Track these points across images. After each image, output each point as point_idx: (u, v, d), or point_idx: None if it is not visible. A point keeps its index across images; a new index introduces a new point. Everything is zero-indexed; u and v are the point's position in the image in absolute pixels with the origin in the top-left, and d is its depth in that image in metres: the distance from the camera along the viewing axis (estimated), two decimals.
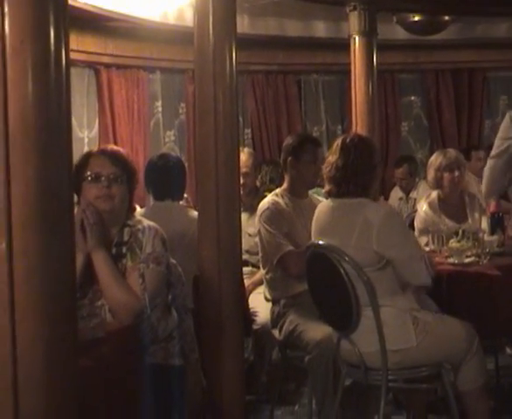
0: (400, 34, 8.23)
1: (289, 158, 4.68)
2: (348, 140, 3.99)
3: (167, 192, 4.75)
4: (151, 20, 6.80)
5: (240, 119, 7.62)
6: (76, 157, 4.06)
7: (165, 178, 4.79)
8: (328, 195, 4.03)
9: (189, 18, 6.62)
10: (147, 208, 4.99)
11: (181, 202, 4.99)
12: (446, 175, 5.35)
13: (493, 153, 4.98)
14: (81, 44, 6.51)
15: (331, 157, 3.98)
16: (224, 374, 3.95)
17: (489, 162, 5.03)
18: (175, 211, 4.71)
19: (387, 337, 3.75)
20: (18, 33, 1.82)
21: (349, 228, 3.82)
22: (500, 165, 4.92)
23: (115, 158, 3.39)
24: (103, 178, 3.31)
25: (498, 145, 4.91)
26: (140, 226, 3.39)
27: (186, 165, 7.20)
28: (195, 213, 4.68)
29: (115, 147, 3.62)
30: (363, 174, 3.92)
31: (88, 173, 3.33)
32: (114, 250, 3.34)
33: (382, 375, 3.79)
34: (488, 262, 4.52)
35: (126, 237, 3.36)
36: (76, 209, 3.35)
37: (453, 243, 4.67)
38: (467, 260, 4.51)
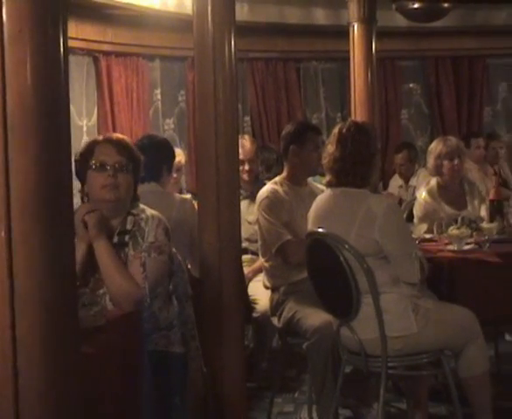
0: (401, 21, 8.21)
1: (291, 146, 4.68)
2: (344, 130, 3.97)
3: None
4: (151, 8, 6.79)
5: (240, 106, 7.61)
6: (76, 145, 4.02)
7: None
8: (329, 185, 4.02)
9: (188, 6, 6.53)
10: None
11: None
12: (445, 162, 5.34)
13: None
14: (80, 32, 6.49)
15: (330, 147, 3.97)
16: (225, 361, 3.96)
17: None
18: (153, 195, 4.53)
19: (388, 324, 3.76)
20: (16, 22, 1.82)
21: (351, 216, 3.82)
22: None
23: (121, 146, 3.37)
24: (109, 167, 3.30)
25: None
26: (143, 215, 3.38)
27: (185, 153, 7.21)
28: (179, 196, 4.65)
29: (121, 136, 3.57)
30: (362, 164, 3.92)
31: (93, 161, 3.32)
32: (116, 239, 3.34)
33: (381, 362, 3.80)
34: (488, 249, 4.53)
35: (129, 226, 3.36)
36: (79, 197, 3.36)
37: (452, 230, 4.67)
38: (467, 247, 4.51)
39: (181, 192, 5.65)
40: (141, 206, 3.44)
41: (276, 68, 8.57)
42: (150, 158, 4.45)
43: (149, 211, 3.41)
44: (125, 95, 7.20)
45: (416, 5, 7.64)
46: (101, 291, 3.27)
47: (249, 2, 7.78)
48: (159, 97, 7.67)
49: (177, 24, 6.73)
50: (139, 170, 3.44)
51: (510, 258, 4.45)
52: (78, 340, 2.00)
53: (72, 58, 6.42)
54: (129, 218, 3.37)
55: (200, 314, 3.87)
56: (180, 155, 5.58)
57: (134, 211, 3.39)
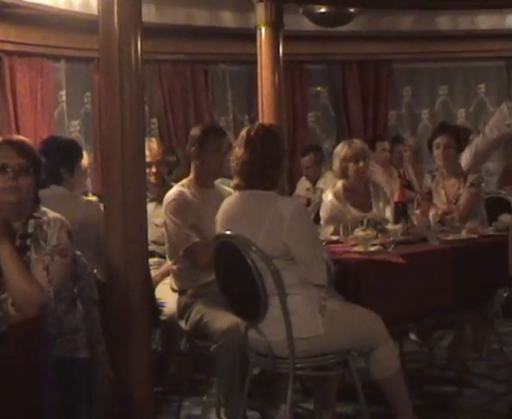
0: (308, 25, 8.30)
1: (192, 148, 4.69)
2: (252, 132, 3.96)
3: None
4: (55, 7, 6.68)
5: (147, 108, 7.57)
6: None
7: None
8: (237, 188, 4.01)
9: (94, 6, 6.51)
10: None
11: None
12: (351, 165, 5.40)
13: (489, 135, 4.68)
14: None
15: (238, 150, 3.95)
16: (132, 365, 3.92)
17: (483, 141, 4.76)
18: (57, 198, 4.39)
19: (295, 325, 3.78)
20: None
21: (259, 218, 3.82)
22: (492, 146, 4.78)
23: (22, 148, 3.33)
24: (9, 169, 3.26)
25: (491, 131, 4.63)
26: (45, 218, 3.35)
27: (92, 155, 7.13)
28: (84, 199, 4.59)
29: (21, 137, 3.56)
30: (271, 167, 3.92)
31: None
32: (18, 243, 3.29)
33: (289, 364, 3.81)
34: (393, 250, 4.60)
35: (31, 229, 3.33)
36: None
37: (358, 231, 4.74)
38: (372, 248, 4.58)
39: (86, 194, 5.57)
40: (43, 209, 3.40)
41: (184, 70, 8.54)
42: (50, 161, 4.36)
43: (51, 214, 3.37)
44: (29, 96, 7.06)
45: (322, 10, 7.75)
46: (3, 296, 3.21)
47: (156, 3, 7.74)
48: (64, 98, 7.55)
49: (83, 25, 6.63)
50: (40, 172, 3.40)
51: (414, 259, 4.54)
52: None
53: None
54: (31, 221, 3.33)
55: (107, 318, 3.83)
56: (83, 158, 5.50)
57: (36, 214, 3.35)
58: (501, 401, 4.83)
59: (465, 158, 4.81)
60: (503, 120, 4.43)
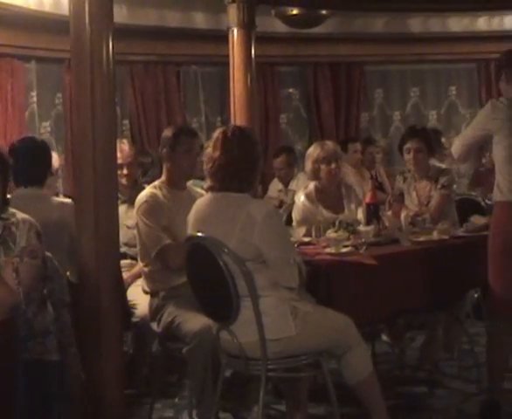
0: (280, 27, 8.32)
1: (164, 150, 4.68)
2: (229, 134, 3.92)
3: (20, 178, 4.37)
4: (26, 7, 6.63)
5: (118, 109, 7.53)
6: None
7: (16, 163, 4.39)
8: (211, 190, 3.98)
9: (65, 6, 6.45)
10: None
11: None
12: (323, 166, 5.41)
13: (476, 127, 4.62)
14: None
15: (212, 152, 3.90)
16: (103, 367, 3.91)
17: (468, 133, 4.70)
18: (32, 199, 4.33)
19: (267, 327, 3.77)
20: None
21: (231, 221, 3.80)
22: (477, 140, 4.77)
23: None
24: None
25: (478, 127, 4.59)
26: (14, 219, 3.32)
27: (63, 156, 7.08)
28: (58, 200, 4.57)
29: None
30: (247, 169, 3.90)
31: None
32: None
33: (261, 365, 3.81)
34: (365, 251, 4.62)
35: None
36: None
37: (330, 233, 4.76)
38: (344, 250, 4.59)
39: (57, 195, 5.54)
40: (12, 210, 3.37)
41: (155, 71, 8.52)
42: (32, 162, 4.35)
43: (20, 215, 3.35)
44: None
45: (295, 11, 7.77)
46: None
47: (128, 4, 7.72)
48: (35, 99, 7.50)
49: (54, 25, 6.60)
50: (7, 174, 3.37)
51: (386, 260, 4.56)
52: None
53: None
54: None
55: (79, 320, 3.81)
56: (54, 159, 5.46)
57: (4, 216, 3.32)
58: (472, 402, 4.86)
59: (455, 150, 4.81)
60: (491, 115, 4.47)
